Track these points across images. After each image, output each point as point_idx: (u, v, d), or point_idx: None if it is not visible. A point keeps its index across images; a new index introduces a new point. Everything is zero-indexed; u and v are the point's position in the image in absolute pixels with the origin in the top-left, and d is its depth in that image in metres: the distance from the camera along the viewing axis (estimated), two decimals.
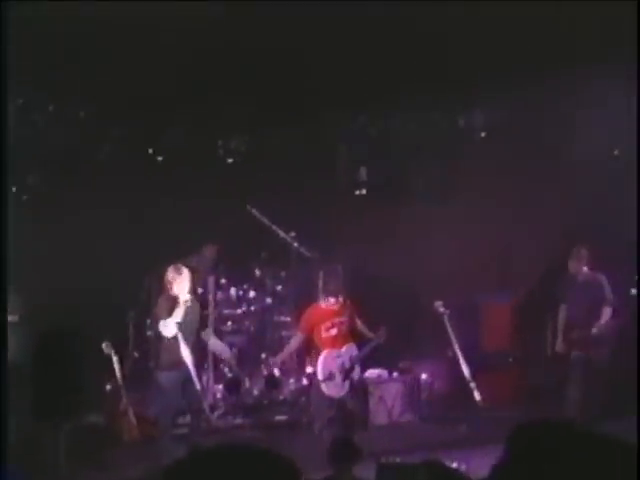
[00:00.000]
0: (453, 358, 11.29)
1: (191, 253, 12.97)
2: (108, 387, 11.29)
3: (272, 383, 12.63)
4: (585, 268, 11.16)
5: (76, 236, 11.97)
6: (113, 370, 10.75)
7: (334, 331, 10.80)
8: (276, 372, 12.66)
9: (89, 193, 12.31)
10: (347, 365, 10.69)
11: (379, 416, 12.15)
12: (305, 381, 12.46)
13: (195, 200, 12.78)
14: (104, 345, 10.66)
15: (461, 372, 11.09)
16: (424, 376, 12.85)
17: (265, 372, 12.68)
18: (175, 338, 9.82)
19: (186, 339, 9.92)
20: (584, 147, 12.44)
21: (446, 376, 12.83)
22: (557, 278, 11.65)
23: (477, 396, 10.89)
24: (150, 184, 12.75)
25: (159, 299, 10.14)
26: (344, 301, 10.90)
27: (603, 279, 11.16)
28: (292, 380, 12.67)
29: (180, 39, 10.10)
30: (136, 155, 12.87)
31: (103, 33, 9.79)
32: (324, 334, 10.77)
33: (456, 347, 11.05)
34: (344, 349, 10.74)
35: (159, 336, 10.04)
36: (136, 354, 13.05)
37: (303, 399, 12.28)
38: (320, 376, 10.75)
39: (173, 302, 9.92)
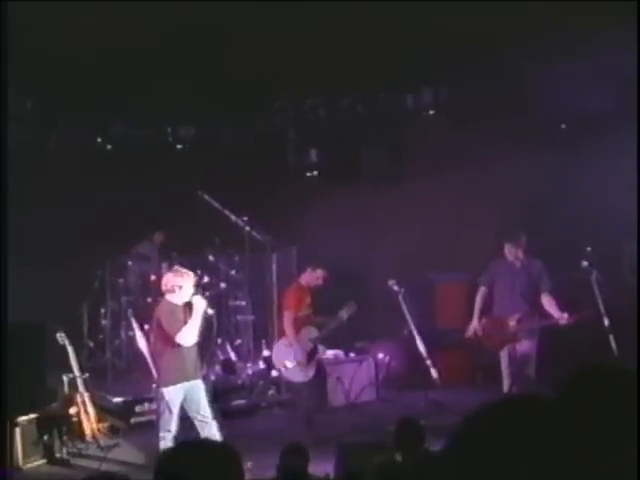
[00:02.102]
0: (409, 337, 11.29)
1: (141, 240, 12.97)
2: (64, 378, 11.05)
3: (229, 368, 12.63)
4: (521, 253, 11.02)
5: (24, 225, 11.88)
6: (69, 360, 10.56)
7: (309, 310, 10.79)
8: (233, 356, 12.71)
9: (37, 183, 12.29)
10: (310, 347, 10.63)
11: (337, 397, 12.16)
12: (262, 365, 12.51)
13: (146, 187, 12.77)
14: (58, 335, 10.52)
15: (417, 351, 11.10)
16: (381, 355, 12.90)
17: (222, 357, 12.71)
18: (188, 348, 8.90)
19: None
20: (537, 126, 12.46)
21: (403, 355, 12.91)
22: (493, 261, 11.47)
23: (434, 374, 10.91)
24: (99, 172, 12.71)
25: (161, 305, 9.07)
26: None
27: (539, 265, 11.00)
28: (249, 364, 12.74)
29: (127, 26, 10.00)
30: (85, 144, 12.81)
31: (49, 21, 9.67)
32: (303, 312, 10.71)
33: (411, 326, 11.05)
34: (304, 331, 10.67)
35: (172, 347, 8.86)
36: (91, 344, 13.08)
37: (261, 383, 12.35)
38: (277, 363, 10.77)
39: (179, 308, 8.95)
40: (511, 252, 10.88)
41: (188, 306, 8.91)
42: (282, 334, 10.81)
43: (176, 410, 8.84)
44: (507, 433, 2.28)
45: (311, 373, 10.50)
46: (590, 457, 2.23)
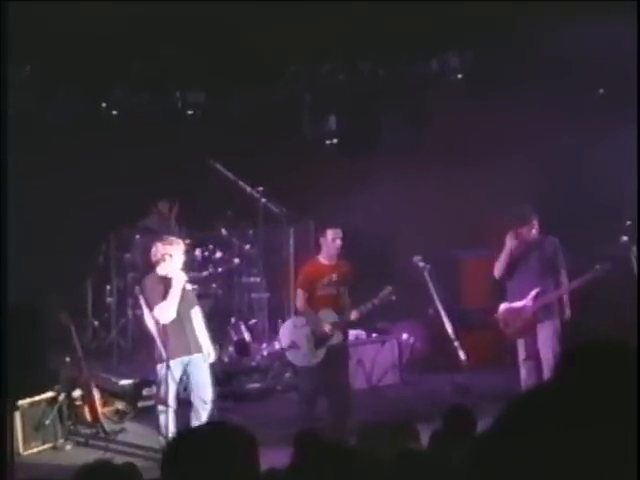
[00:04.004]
0: (435, 316, 10.96)
1: (149, 213, 12.85)
2: (67, 359, 10.90)
3: (243, 349, 12.47)
4: (534, 232, 10.64)
5: (26, 198, 11.73)
6: (72, 340, 10.45)
7: (332, 289, 10.21)
8: (247, 337, 12.52)
9: (38, 152, 12.18)
10: (323, 331, 10.08)
11: (358, 380, 11.85)
12: (278, 346, 12.08)
13: (154, 156, 12.63)
14: (62, 316, 10.43)
15: (444, 331, 10.75)
16: (405, 336, 12.62)
17: (235, 338, 12.53)
18: (174, 322, 9.18)
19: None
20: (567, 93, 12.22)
21: (428, 336, 12.73)
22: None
23: (462, 355, 10.55)
24: (104, 140, 12.62)
25: (147, 279, 9.46)
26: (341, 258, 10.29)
27: (554, 241, 10.69)
28: (264, 345, 12.53)
29: None
30: (89, 110, 12.70)
31: None
32: (320, 292, 10.18)
33: (438, 304, 10.70)
34: (322, 314, 10.13)
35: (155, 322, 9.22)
36: (95, 323, 12.89)
37: (277, 365, 12.14)
38: (283, 344, 10.36)
39: (165, 281, 9.25)
40: (521, 234, 10.59)
41: (170, 281, 9.15)
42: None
43: (173, 386, 9.09)
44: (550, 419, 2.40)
45: (316, 360, 9.98)
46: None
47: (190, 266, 12.31)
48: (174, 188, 12.82)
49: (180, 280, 9.19)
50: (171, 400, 9.13)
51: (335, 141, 13.90)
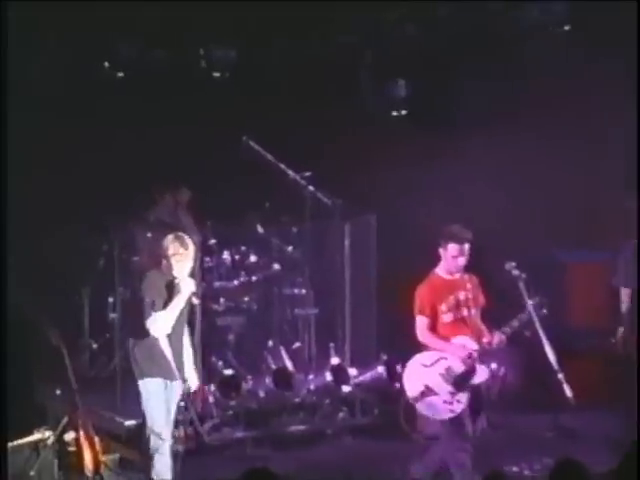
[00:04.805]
0: (532, 339, 10.83)
1: (159, 203, 13.02)
2: (58, 391, 10.97)
3: (283, 381, 12.45)
4: None
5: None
6: (64, 367, 10.44)
7: (464, 312, 10.18)
8: (289, 365, 12.53)
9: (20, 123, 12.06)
10: (461, 368, 10.01)
11: None
12: (329, 377, 12.38)
13: (169, 131, 12.77)
14: (51, 335, 10.42)
15: (544, 358, 10.63)
16: (494, 366, 12.43)
17: (273, 366, 12.56)
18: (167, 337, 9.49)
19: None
20: None
21: (523, 364, 12.69)
22: None
23: (568, 391, 10.44)
24: (105, 109, 12.74)
25: (149, 276, 9.61)
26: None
27: None
28: (311, 376, 12.57)
29: None
30: (85, 72, 12.80)
31: None
32: (446, 316, 10.16)
33: (536, 323, 10.58)
34: (454, 344, 10.07)
35: (141, 330, 9.44)
36: (94, 345, 12.84)
37: (327, 402, 12.27)
38: (411, 392, 10.18)
39: (169, 286, 9.43)
40: None
41: (175, 286, 9.38)
42: (420, 347, 10.31)
43: (161, 409, 9.43)
44: None
45: (460, 407, 9.93)
46: None
47: (217, 273, 12.58)
48: (195, 172, 12.94)
49: (188, 288, 9.40)
50: (163, 431, 9.40)
51: (404, 112, 13.93)
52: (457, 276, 10.15)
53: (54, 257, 12.60)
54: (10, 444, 9.91)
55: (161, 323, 9.31)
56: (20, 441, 10.05)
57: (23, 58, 12.21)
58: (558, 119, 13.57)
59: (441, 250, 10.13)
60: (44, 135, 12.52)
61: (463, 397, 9.90)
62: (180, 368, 9.55)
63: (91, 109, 12.75)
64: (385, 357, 12.56)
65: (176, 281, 9.38)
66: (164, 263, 9.43)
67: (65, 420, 10.35)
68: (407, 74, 13.92)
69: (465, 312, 10.13)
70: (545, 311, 10.12)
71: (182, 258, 9.38)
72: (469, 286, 10.19)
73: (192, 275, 9.73)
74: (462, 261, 10.06)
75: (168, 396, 9.49)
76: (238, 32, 13.23)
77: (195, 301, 9.65)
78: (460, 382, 9.90)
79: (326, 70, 13.55)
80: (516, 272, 10.61)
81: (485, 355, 10.28)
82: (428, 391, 9.98)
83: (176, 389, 9.57)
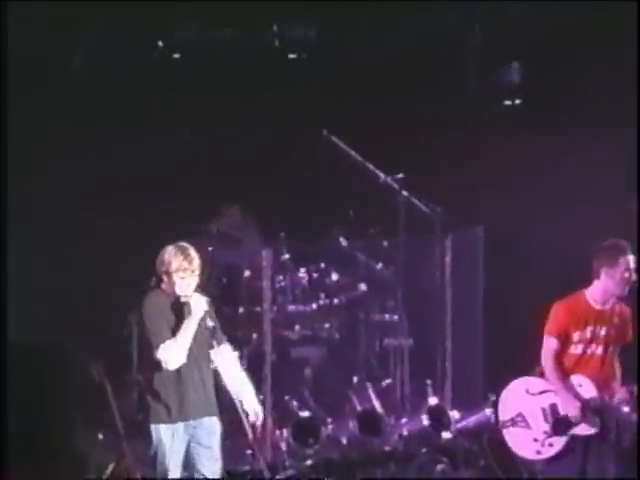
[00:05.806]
0: None
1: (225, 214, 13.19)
2: (100, 436, 11.23)
3: (371, 425, 12.36)
4: None
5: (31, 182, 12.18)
6: (108, 408, 10.56)
7: (597, 349, 9.90)
8: (377, 406, 12.43)
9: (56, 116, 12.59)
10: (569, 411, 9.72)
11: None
12: (426, 421, 12.26)
13: (232, 122, 12.88)
14: (93, 369, 10.57)
15: None
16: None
17: (358, 407, 12.53)
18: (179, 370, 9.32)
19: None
20: None
21: None
22: None
23: None
24: (157, 98, 12.88)
25: (149, 298, 9.41)
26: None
27: None
28: (404, 419, 12.48)
29: None
30: (135, 53, 12.99)
31: None
32: (575, 347, 9.86)
33: None
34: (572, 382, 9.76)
35: (153, 365, 9.24)
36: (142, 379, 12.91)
37: (424, 451, 12.06)
38: (503, 414, 10.11)
39: (176, 307, 9.28)
40: None
41: (183, 307, 9.23)
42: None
43: (174, 460, 9.25)
44: None
45: (550, 452, 9.69)
46: None
47: (291, 295, 12.60)
48: (263, 173, 13.02)
49: (200, 308, 9.20)
50: None
51: (518, 101, 13.96)
52: (607, 307, 9.75)
53: (98, 275, 12.71)
54: None
55: (174, 353, 9.13)
56: None
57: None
58: None
59: (603, 270, 9.66)
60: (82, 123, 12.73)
61: (558, 442, 9.64)
62: (209, 403, 9.30)
63: (139, 95, 12.96)
64: (493, 398, 11.98)
65: (183, 300, 9.20)
66: (165, 280, 9.25)
67: (110, 469, 10.48)
68: (522, 57, 13.96)
69: (599, 350, 9.77)
70: None
71: (187, 274, 9.19)
72: (616, 320, 9.79)
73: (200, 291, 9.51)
74: (635, 277, 9.64)
75: (177, 446, 9.32)
76: (317, 8, 13.30)
77: (210, 323, 9.30)
78: (560, 426, 9.67)
79: (425, 51, 13.61)
80: None
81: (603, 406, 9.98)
82: (520, 420, 9.84)
83: (198, 431, 9.31)
